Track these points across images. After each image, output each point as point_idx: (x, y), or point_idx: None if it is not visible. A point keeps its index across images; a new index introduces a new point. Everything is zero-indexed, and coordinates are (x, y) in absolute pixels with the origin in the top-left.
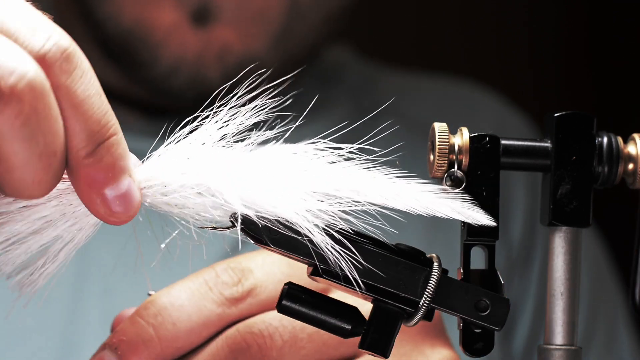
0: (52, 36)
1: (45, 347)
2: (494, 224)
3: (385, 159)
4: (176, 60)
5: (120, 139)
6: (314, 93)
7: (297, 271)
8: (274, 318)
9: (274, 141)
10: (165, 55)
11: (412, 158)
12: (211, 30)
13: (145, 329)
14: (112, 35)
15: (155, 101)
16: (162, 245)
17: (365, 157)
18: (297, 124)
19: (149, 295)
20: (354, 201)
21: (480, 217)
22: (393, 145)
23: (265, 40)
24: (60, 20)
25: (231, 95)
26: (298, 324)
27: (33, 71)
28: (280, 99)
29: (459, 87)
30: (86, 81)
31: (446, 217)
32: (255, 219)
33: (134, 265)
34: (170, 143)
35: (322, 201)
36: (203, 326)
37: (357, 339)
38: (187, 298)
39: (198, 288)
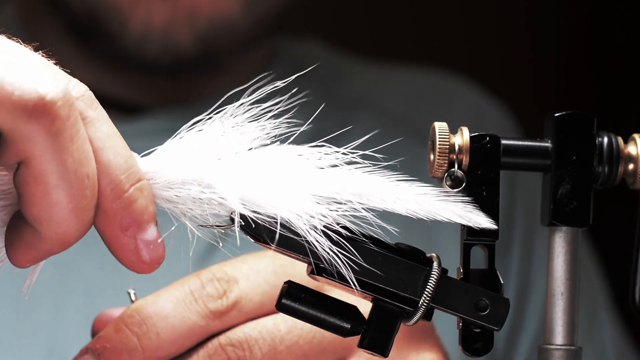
0: (73, 79)
1: (28, 355)
2: (495, 227)
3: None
4: (145, 28)
5: (148, 184)
6: (280, 88)
7: (282, 279)
8: (254, 329)
9: (277, 142)
10: (133, 24)
11: (389, 150)
12: None
13: (129, 338)
14: (80, 13)
15: (128, 97)
16: (162, 233)
17: (356, 158)
18: (268, 118)
19: (129, 293)
20: (355, 204)
21: (481, 221)
22: (369, 138)
23: (233, 2)
24: (28, 7)
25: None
26: (277, 336)
27: (62, 86)
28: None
29: (437, 80)
30: (109, 122)
31: (447, 220)
32: (254, 218)
33: (115, 268)
34: (173, 139)
35: (321, 204)
36: (186, 337)
37: (339, 345)
38: (172, 309)
39: (183, 299)
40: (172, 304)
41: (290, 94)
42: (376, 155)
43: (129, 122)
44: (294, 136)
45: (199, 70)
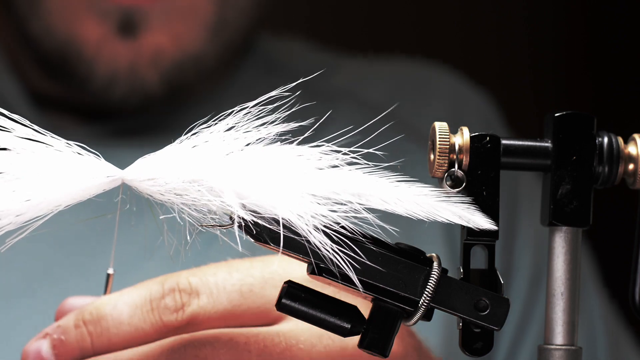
0: None
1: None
2: (495, 227)
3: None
4: (110, 73)
5: None
6: (258, 83)
7: (247, 301)
8: (224, 344)
9: (278, 142)
10: (99, 69)
11: (373, 143)
12: (141, 39)
13: (84, 337)
14: (48, 51)
15: (98, 106)
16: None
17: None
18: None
19: (107, 274)
20: (356, 205)
21: (481, 222)
22: (351, 131)
23: (198, 35)
24: (3, 36)
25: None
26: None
27: None
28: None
29: (418, 71)
30: None
31: (447, 221)
32: (254, 219)
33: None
34: (174, 141)
35: (322, 204)
36: (137, 344)
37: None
38: (128, 315)
39: (141, 306)
40: (129, 309)
41: (267, 92)
42: (365, 149)
43: (100, 124)
44: (286, 136)
45: (168, 103)
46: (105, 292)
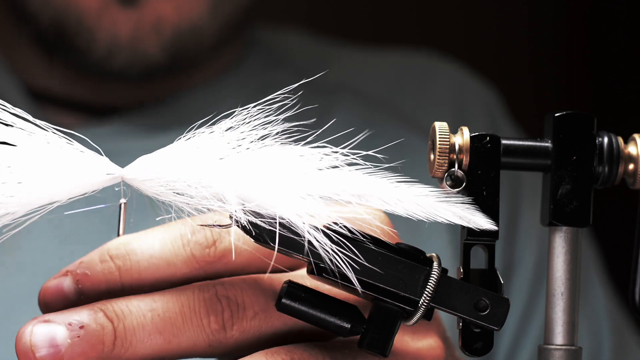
0: None
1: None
2: (496, 228)
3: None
4: (111, 41)
5: None
6: (257, 78)
7: None
8: (250, 286)
9: (278, 142)
10: (99, 38)
11: (373, 134)
12: (143, 7)
13: (111, 271)
14: (46, 26)
15: (100, 101)
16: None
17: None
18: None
19: (120, 204)
20: (356, 205)
21: (482, 222)
22: (351, 124)
23: (199, 5)
24: None
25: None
26: (272, 304)
27: None
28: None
29: (418, 62)
30: None
31: (447, 221)
32: (254, 219)
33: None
34: (175, 141)
35: (322, 203)
36: (167, 282)
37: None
38: (159, 249)
39: (172, 241)
40: (159, 244)
41: (266, 85)
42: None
43: (100, 125)
44: (287, 133)
45: (169, 75)
46: (119, 225)
